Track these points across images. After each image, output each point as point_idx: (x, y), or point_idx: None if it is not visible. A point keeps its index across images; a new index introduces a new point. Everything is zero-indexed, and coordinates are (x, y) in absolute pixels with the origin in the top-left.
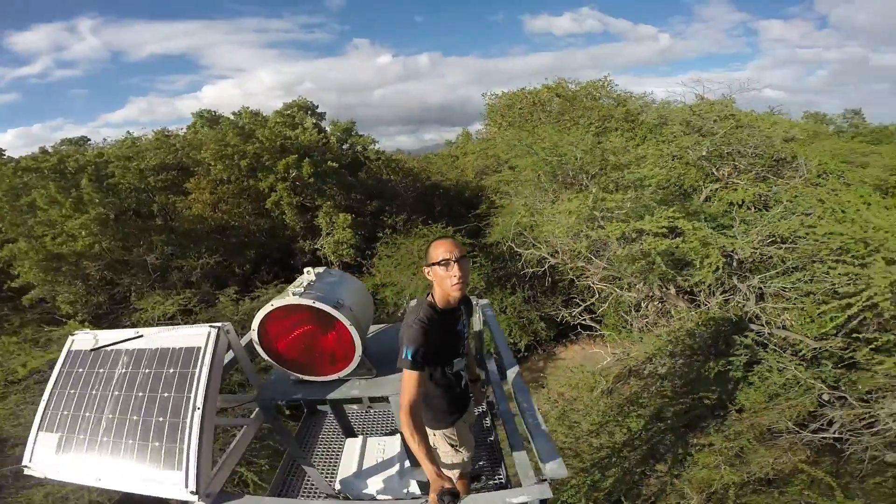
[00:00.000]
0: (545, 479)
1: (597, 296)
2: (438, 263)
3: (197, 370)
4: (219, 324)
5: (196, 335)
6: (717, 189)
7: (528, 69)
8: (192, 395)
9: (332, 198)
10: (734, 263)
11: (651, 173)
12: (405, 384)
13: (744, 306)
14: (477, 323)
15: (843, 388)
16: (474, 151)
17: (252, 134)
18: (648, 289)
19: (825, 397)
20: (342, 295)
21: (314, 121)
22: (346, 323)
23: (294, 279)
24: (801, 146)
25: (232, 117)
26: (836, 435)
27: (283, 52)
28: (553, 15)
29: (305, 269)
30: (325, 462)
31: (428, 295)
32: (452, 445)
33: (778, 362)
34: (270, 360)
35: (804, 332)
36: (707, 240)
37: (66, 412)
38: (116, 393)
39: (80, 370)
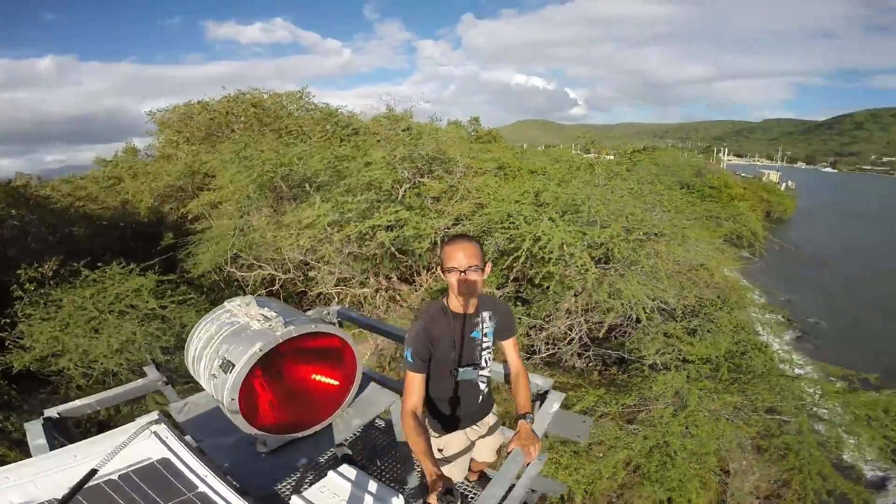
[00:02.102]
0: (547, 390)
1: (335, 300)
2: (446, 270)
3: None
4: (149, 417)
5: (133, 452)
6: (408, 187)
7: (205, 78)
8: None
9: None
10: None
11: (382, 175)
12: (406, 386)
13: None
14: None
15: (530, 318)
16: (152, 171)
17: None
18: (377, 282)
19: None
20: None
21: None
22: (349, 340)
23: None
24: (454, 148)
25: None
26: (550, 351)
27: None
28: (242, 24)
29: (241, 300)
30: None
31: (446, 295)
32: (439, 450)
33: None
34: (256, 431)
35: (489, 283)
36: (421, 224)
37: None
38: None
39: None
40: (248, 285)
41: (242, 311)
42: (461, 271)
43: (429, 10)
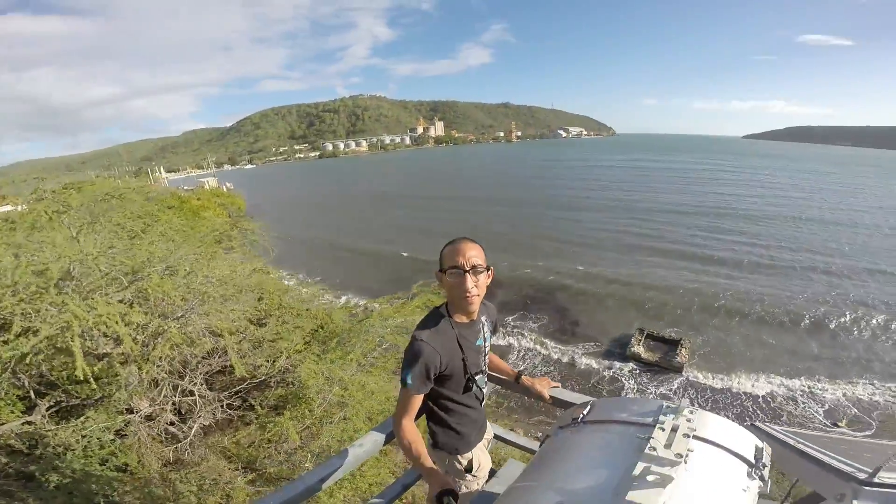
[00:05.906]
0: None
1: None
2: (447, 270)
3: None
4: None
5: None
6: None
7: None
8: None
9: None
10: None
11: None
12: (400, 401)
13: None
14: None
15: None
16: None
17: None
18: None
19: None
20: None
21: None
22: None
23: None
24: None
25: None
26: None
27: None
28: None
29: None
30: None
31: (444, 304)
32: (468, 470)
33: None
34: None
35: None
36: None
37: None
38: None
39: None
40: None
41: None
42: (466, 270)
43: None
